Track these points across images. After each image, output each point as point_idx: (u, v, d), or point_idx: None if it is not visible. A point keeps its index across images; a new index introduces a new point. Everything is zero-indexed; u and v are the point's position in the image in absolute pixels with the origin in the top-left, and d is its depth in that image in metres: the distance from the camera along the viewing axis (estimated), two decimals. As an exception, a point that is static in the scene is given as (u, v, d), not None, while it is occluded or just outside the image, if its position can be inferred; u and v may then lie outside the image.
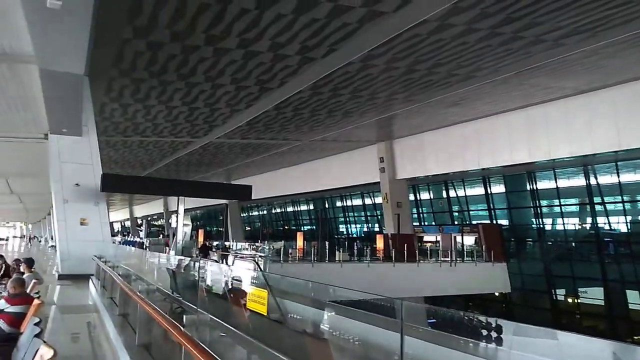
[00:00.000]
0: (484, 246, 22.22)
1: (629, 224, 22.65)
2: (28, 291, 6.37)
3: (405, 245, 20.53)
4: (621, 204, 22.65)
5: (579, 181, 23.34)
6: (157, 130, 21.38)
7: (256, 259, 19.16)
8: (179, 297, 5.24)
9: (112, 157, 28.28)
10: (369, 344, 4.45)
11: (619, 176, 21.84)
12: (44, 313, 7.17)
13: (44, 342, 3.10)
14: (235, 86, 15.11)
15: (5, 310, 5.27)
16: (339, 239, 39.30)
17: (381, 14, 10.10)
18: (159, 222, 66.05)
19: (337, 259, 20.58)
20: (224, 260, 18.99)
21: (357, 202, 38.30)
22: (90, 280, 12.43)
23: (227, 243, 31.59)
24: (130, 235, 59.87)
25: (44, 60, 9.80)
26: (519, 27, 10.93)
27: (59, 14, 6.98)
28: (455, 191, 29.22)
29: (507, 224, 26.97)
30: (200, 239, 31.55)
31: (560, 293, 25.05)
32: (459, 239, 23.72)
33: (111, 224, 46.21)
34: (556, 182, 24.03)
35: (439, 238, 24.79)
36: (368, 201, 36.76)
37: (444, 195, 30.03)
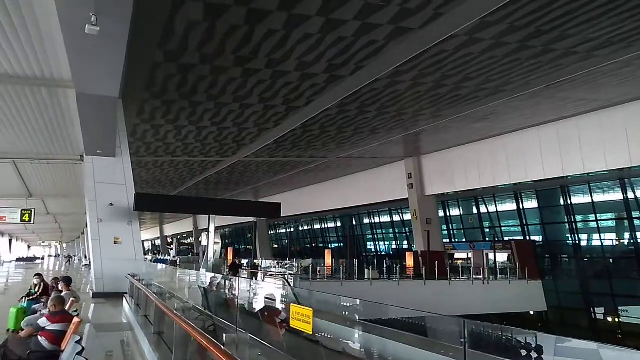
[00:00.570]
0: (517, 263, 21.67)
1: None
2: (66, 309, 6.50)
3: (436, 262, 20.21)
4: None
5: (616, 195, 22.59)
6: (188, 150, 21.81)
7: (286, 276, 19.14)
8: (215, 316, 5.25)
9: (143, 177, 28.92)
10: None
11: (658, 190, 21.08)
12: (79, 331, 7.29)
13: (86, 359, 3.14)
14: (263, 105, 15.33)
15: (46, 328, 5.40)
16: (367, 256, 38.94)
17: (408, 30, 10.13)
18: (189, 241, 66.86)
19: (366, 276, 20.40)
20: (254, 279, 19.03)
21: (385, 219, 37.96)
22: (124, 299, 12.60)
23: (255, 261, 31.70)
24: (160, 253, 60.84)
25: (81, 84, 10.13)
26: (549, 40, 10.78)
27: (96, 40, 7.22)
28: (486, 207, 28.68)
29: (541, 240, 26.23)
30: (230, 256, 31.76)
31: (599, 311, 24.06)
32: (491, 255, 23.22)
33: (142, 242, 46.98)
34: (591, 196, 23.31)
35: (470, 255, 24.34)
36: (396, 218, 36.41)
37: (475, 211, 29.50)
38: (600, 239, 24.07)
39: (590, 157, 17.84)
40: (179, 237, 69.09)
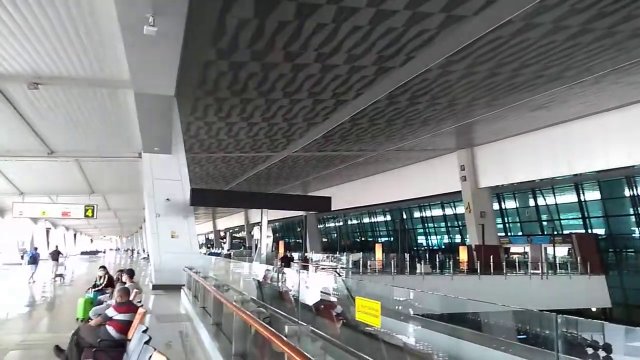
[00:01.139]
0: (578, 258, 20.71)
1: None
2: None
3: (491, 256, 19.63)
4: None
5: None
6: (239, 146, 22.24)
7: (338, 270, 19.19)
8: (273, 308, 5.32)
9: (197, 173, 29.79)
10: None
11: None
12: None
13: (155, 349, 3.25)
14: (312, 100, 15.37)
15: (114, 317, 5.66)
16: (418, 250, 38.37)
17: (461, 17, 9.83)
18: (240, 234, 68.34)
19: (418, 271, 20.12)
20: (306, 272, 19.18)
21: (437, 212, 37.24)
22: (182, 290, 13.06)
23: (306, 254, 32.00)
24: (214, 247, 62.62)
25: (139, 84, 10.55)
26: (613, 22, 10.15)
27: (154, 40, 7.48)
28: (544, 199, 27.50)
29: (604, 233, 24.89)
30: (281, 250, 32.21)
31: (670, 309, 22.62)
32: (549, 250, 22.30)
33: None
34: (660, 186, 21.89)
35: (527, 249, 23.49)
36: (449, 211, 35.62)
37: (532, 203, 28.37)
38: (671, 232, 22.58)
39: (659, 144, 16.74)
40: (230, 231, 70.75)
